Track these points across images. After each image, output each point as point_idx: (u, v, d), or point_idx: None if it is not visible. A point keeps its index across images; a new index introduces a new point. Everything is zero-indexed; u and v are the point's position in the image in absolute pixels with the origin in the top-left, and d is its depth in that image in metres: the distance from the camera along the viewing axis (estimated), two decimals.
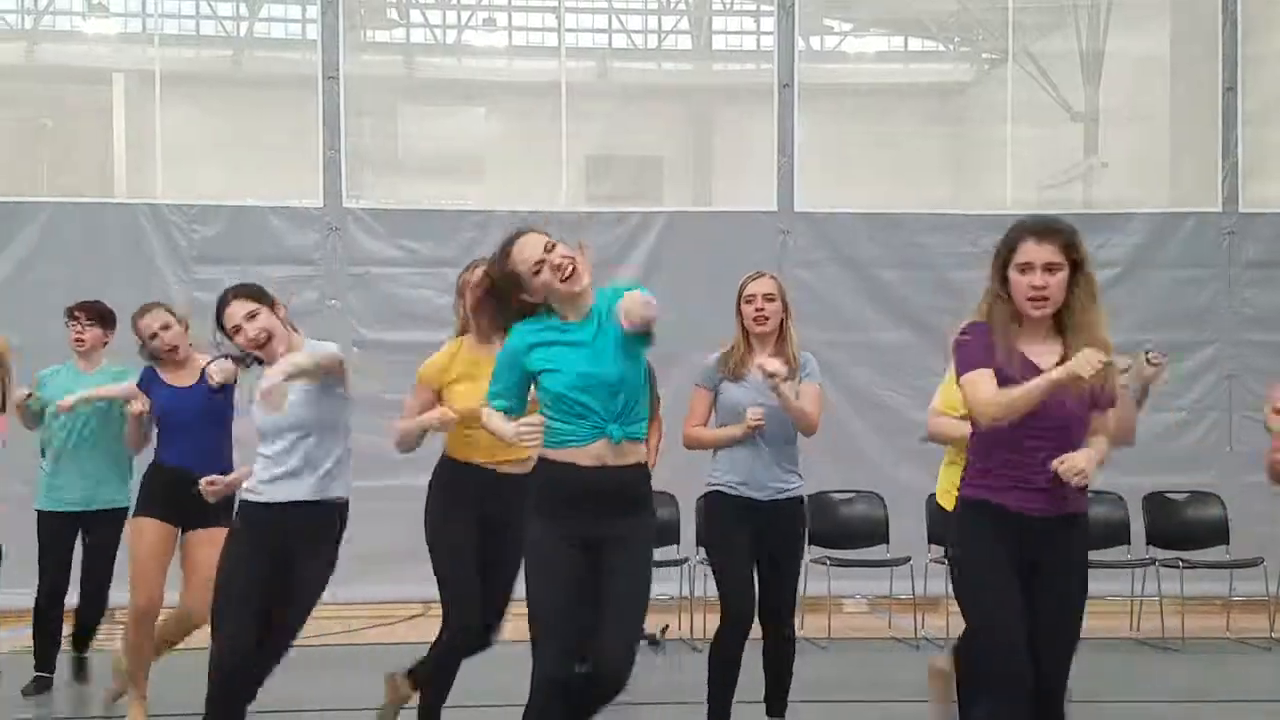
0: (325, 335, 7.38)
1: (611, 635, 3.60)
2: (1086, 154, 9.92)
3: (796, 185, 8.78)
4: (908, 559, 7.33)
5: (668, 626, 7.25)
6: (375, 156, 9.39)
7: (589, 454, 3.61)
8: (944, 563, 7.53)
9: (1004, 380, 3.35)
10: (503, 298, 3.71)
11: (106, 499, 5.76)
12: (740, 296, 4.76)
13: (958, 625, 6.66)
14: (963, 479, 3.54)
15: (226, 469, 4.71)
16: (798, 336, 4.75)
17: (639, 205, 8.99)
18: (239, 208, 8.63)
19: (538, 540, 3.66)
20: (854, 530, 7.63)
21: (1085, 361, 3.17)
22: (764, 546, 4.68)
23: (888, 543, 7.54)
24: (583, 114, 9.12)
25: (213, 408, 5.08)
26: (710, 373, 4.73)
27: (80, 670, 6.00)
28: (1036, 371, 3.36)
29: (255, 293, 4.15)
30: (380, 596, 7.92)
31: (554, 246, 3.64)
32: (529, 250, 3.63)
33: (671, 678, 6.16)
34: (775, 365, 4.45)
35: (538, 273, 3.62)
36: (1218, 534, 7.69)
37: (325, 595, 4.25)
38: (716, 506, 4.73)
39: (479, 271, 4.67)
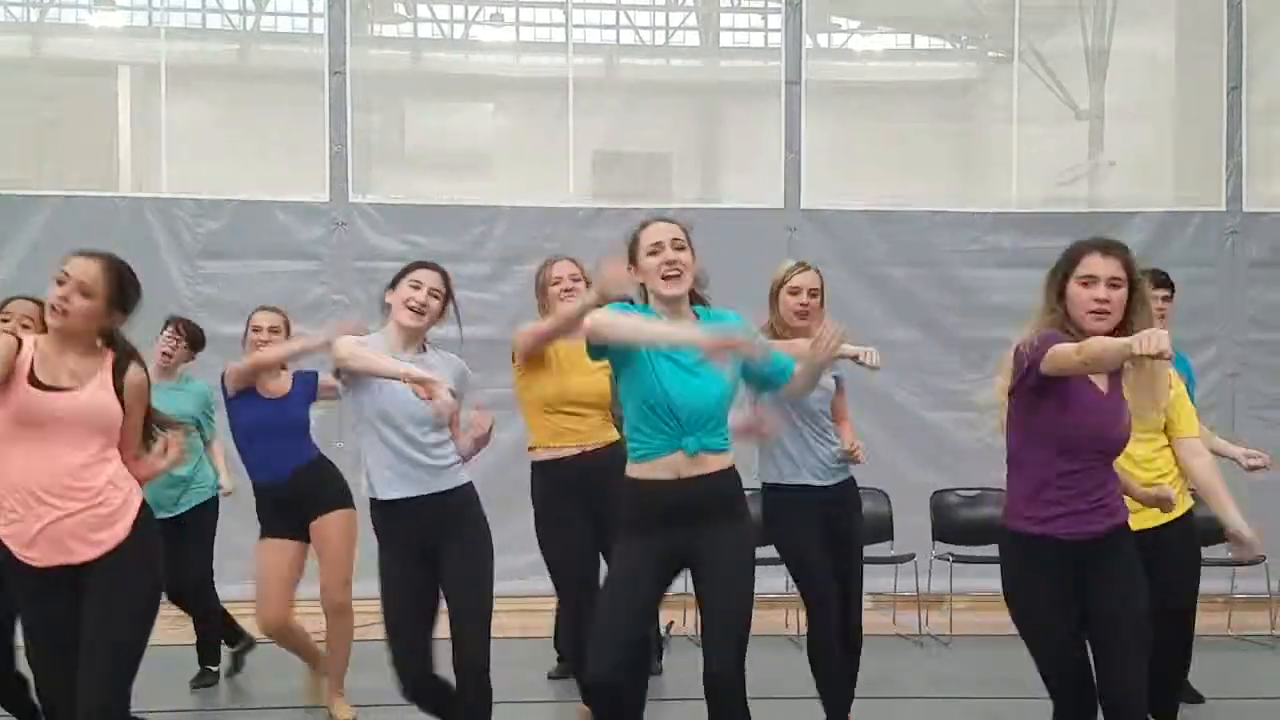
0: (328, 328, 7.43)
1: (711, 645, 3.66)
2: (1092, 152, 9.92)
3: (804, 182, 8.80)
4: (912, 556, 7.34)
5: (673, 623, 7.26)
6: (382, 151, 9.39)
7: (665, 466, 3.65)
8: (948, 559, 7.55)
9: (1057, 391, 3.37)
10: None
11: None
12: (781, 286, 4.70)
13: (961, 622, 6.67)
14: (1008, 511, 3.55)
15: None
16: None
17: (646, 201, 8.98)
18: (245, 202, 8.63)
19: (620, 553, 3.75)
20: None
21: (1150, 338, 3.08)
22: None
23: (892, 539, 7.55)
24: (590, 110, 9.13)
25: (300, 416, 5.38)
26: None
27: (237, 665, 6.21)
28: (1093, 388, 3.40)
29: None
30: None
31: (681, 246, 3.69)
32: (659, 232, 3.71)
33: (676, 676, 6.17)
34: (876, 358, 4.59)
35: (653, 253, 3.68)
36: (1219, 532, 7.67)
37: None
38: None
39: (558, 266, 4.81)
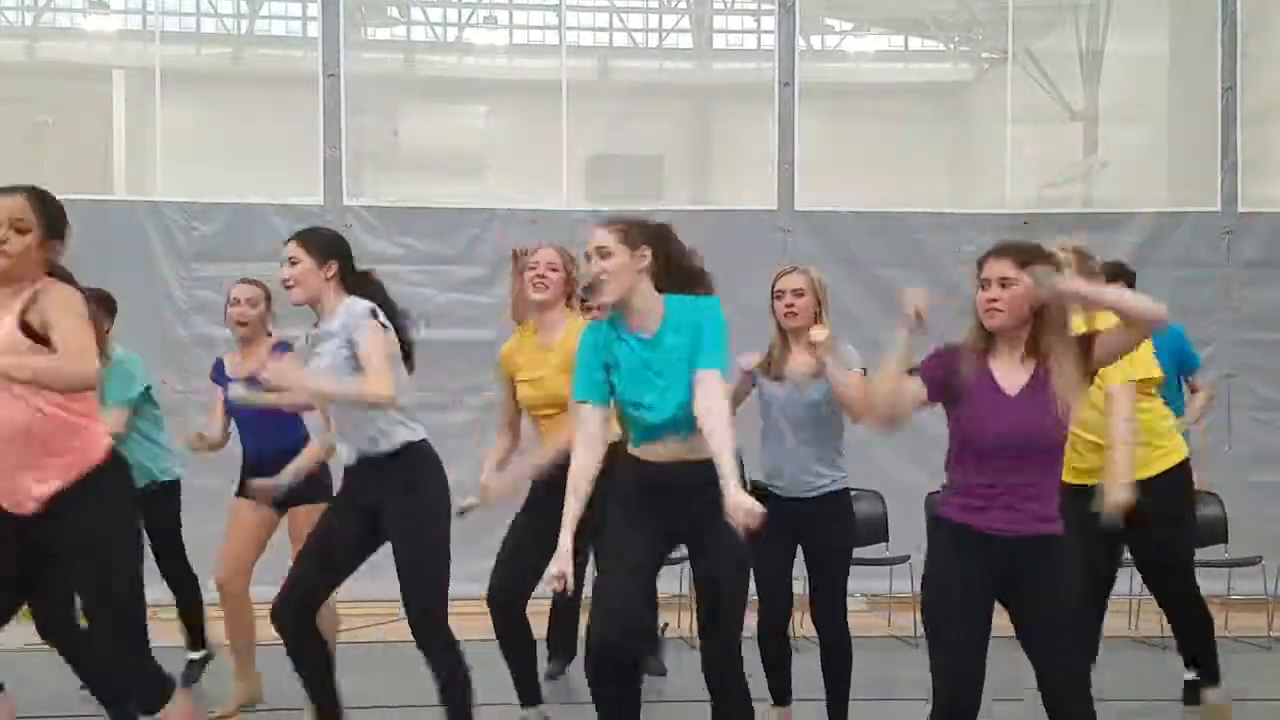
0: None
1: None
2: (1086, 153, 9.94)
3: (797, 184, 8.78)
4: (907, 557, 7.33)
5: (667, 624, 7.26)
6: (376, 154, 9.39)
7: (658, 451, 3.76)
8: None
9: (959, 398, 3.55)
10: None
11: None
12: (772, 293, 4.77)
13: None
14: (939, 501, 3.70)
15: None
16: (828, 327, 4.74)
17: (639, 204, 8.98)
18: (239, 205, 8.63)
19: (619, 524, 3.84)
20: None
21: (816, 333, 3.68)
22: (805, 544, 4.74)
23: (887, 541, 7.54)
24: (584, 112, 9.13)
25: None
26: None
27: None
28: (995, 386, 3.53)
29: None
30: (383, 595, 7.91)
31: (607, 254, 3.71)
32: (589, 243, 3.78)
33: (670, 677, 6.16)
34: (819, 332, 4.51)
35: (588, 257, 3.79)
36: (1216, 533, 7.69)
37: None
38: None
39: (540, 252, 4.82)
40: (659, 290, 3.77)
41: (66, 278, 3.70)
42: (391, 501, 4.08)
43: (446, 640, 4.12)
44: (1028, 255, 3.52)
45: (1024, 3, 9.51)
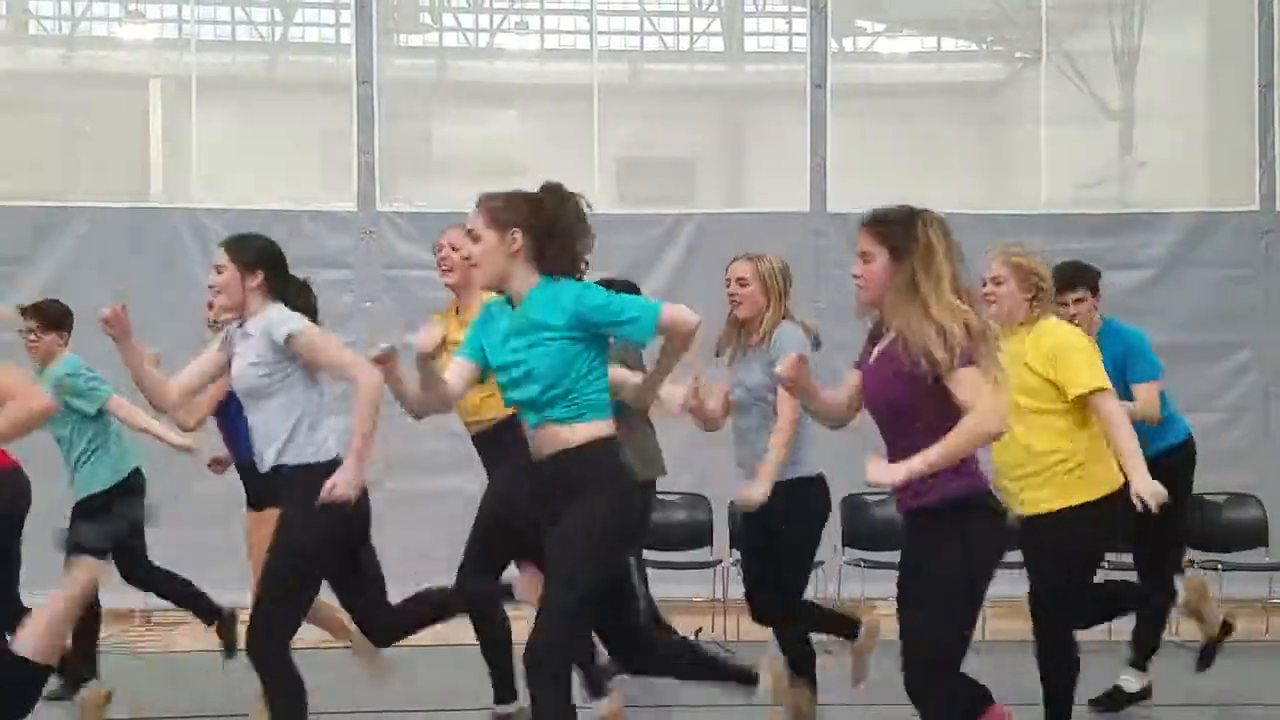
0: (361, 338, 7.47)
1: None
2: (1122, 153, 9.84)
3: (830, 186, 8.76)
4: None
5: (701, 629, 7.24)
6: (408, 160, 9.42)
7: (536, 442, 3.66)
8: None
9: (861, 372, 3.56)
10: None
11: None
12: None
13: (996, 628, 6.59)
14: None
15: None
16: (773, 317, 4.73)
17: (670, 207, 8.99)
18: (274, 212, 8.66)
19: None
20: (889, 531, 7.58)
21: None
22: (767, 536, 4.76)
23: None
24: (615, 116, 9.14)
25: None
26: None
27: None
28: (868, 357, 3.52)
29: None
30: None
31: (476, 238, 3.62)
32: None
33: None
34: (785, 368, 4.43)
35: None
36: (1257, 536, 7.62)
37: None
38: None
39: (447, 233, 4.83)
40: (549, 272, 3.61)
41: None
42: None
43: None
44: (882, 225, 3.42)
45: (1057, 1, 9.45)
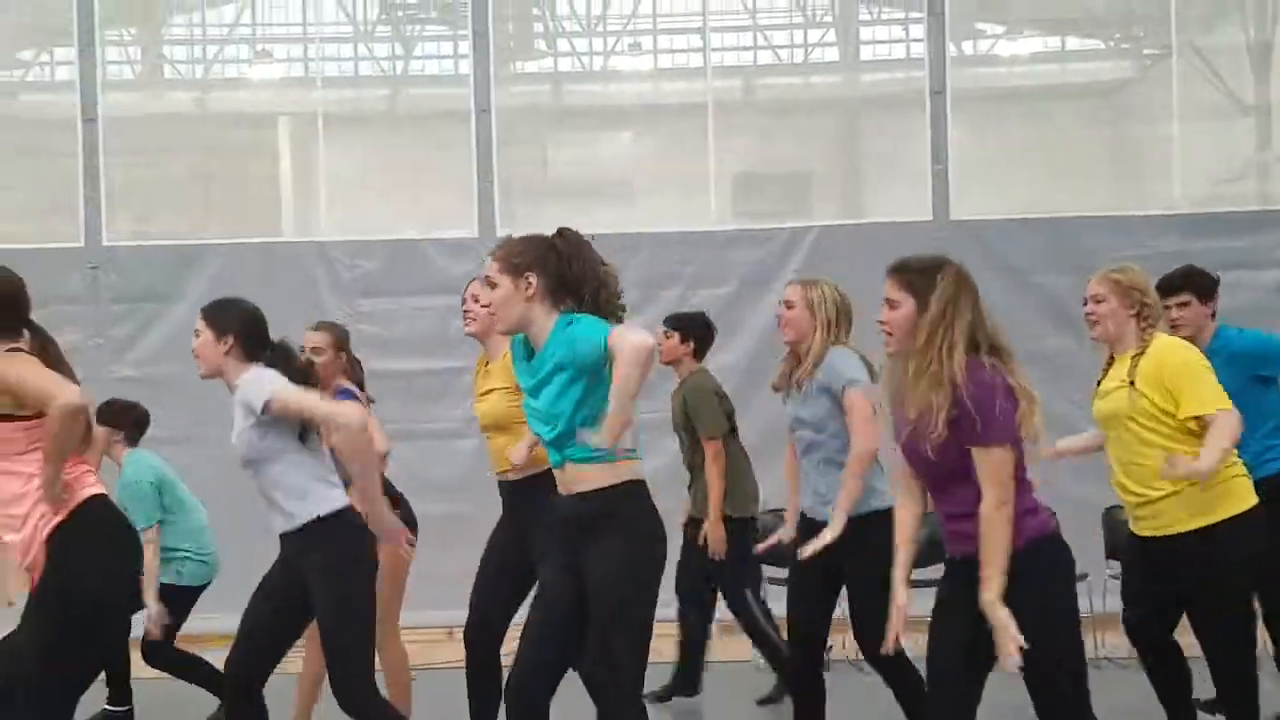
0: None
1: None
2: (1259, 149, 9.50)
3: (952, 193, 8.62)
4: (1085, 575, 7.06)
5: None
6: (526, 185, 9.53)
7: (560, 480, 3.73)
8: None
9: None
10: None
11: None
12: None
13: None
14: None
15: None
16: (820, 345, 4.64)
17: (787, 221, 8.93)
18: (398, 241, 8.85)
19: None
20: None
21: None
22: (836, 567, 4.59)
23: None
24: (729, 132, 9.12)
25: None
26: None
27: None
28: (903, 418, 3.46)
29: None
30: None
31: (493, 285, 3.69)
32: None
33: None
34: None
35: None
36: None
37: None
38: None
39: (470, 286, 4.92)
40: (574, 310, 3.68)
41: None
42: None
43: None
44: (909, 273, 3.42)
45: None
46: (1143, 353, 4.36)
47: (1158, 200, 8.89)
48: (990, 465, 3.30)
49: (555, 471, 3.72)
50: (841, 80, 10.28)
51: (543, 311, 3.66)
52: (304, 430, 4.07)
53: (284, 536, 4.11)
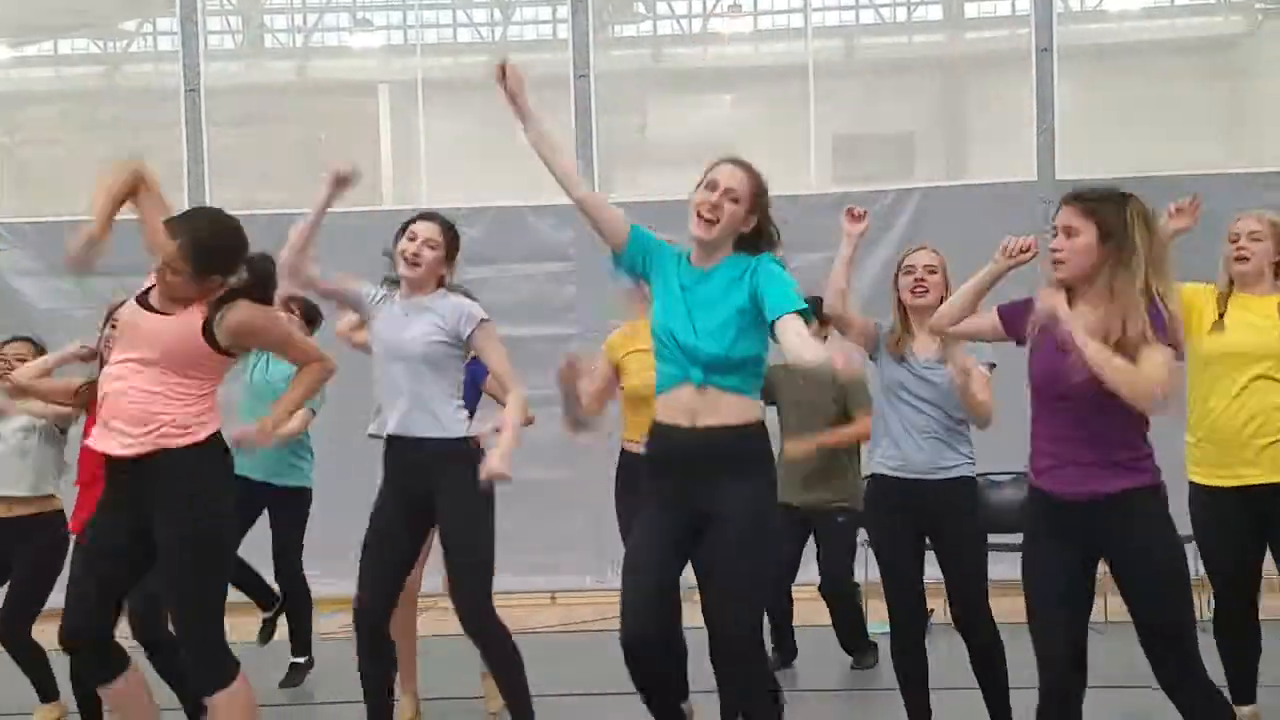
0: (583, 330, 7.56)
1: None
2: None
3: (1058, 153, 8.45)
4: None
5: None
6: (625, 151, 9.51)
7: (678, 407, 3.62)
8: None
9: (1039, 338, 3.49)
10: None
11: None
12: (899, 269, 4.72)
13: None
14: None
15: None
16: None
17: (889, 183, 8.81)
18: (499, 209, 8.89)
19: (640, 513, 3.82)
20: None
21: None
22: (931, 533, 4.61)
23: None
24: (830, 94, 9.01)
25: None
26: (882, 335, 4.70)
27: None
28: (1058, 335, 3.38)
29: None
30: None
31: (736, 199, 3.70)
32: (719, 172, 3.80)
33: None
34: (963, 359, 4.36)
35: (704, 186, 3.74)
36: None
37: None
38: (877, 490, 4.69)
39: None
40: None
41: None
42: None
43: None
44: (1093, 204, 3.40)
45: None
46: None
47: (1271, 156, 8.64)
48: (1155, 359, 3.30)
49: (667, 398, 3.64)
50: (945, 39, 10.10)
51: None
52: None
53: (415, 454, 4.34)
